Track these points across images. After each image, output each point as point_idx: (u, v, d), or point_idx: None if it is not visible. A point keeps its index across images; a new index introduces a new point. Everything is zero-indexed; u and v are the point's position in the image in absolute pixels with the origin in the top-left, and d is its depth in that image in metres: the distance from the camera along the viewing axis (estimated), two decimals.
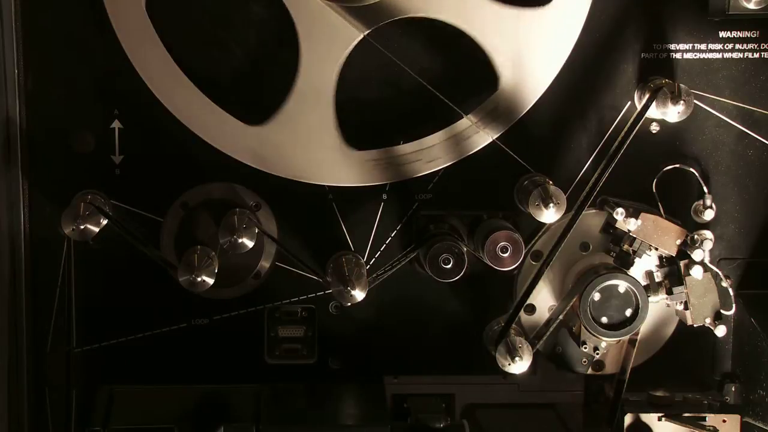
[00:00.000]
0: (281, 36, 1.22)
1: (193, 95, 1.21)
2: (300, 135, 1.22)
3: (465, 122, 1.23)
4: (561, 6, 1.21)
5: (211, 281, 1.17)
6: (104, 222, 1.20)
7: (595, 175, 1.20)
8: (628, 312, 1.24)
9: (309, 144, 1.22)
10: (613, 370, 1.30)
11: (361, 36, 1.20)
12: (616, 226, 1.25)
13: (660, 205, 1.26)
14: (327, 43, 1.20)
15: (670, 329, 1.31)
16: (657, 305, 1.27)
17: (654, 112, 1.20)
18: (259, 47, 1.23)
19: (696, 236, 1.23)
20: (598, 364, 1.31)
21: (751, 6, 1.22)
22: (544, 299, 1.30)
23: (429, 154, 1.24)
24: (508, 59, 1.21)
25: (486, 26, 1.20)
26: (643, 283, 1.25)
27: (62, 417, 1.28)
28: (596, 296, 1.24)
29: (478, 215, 1.27)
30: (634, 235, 1.24)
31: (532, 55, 1.21)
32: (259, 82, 1.24)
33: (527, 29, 1.21)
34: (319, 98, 1.21)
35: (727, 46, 1.26)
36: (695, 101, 1.23)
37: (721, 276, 1.24)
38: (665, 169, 1.27)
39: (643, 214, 1.23)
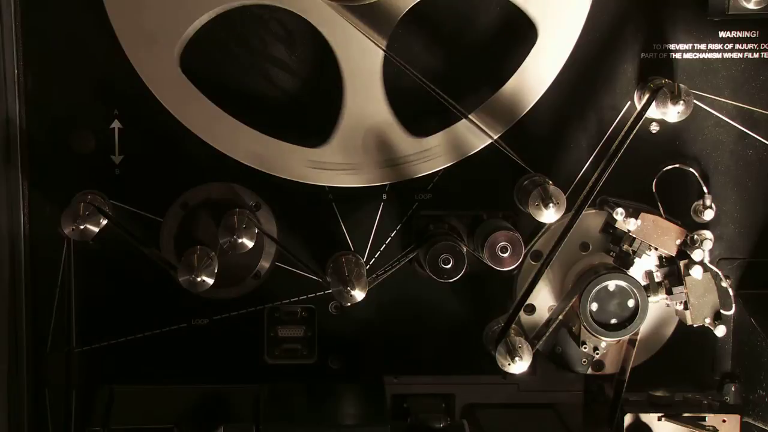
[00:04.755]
0: (285, 35, 1.22)
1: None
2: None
3: (465, 122, 1.23)
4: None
5: (211, 281, 1.17)
6: (104, 222, 1.20)
7: (595, 175, 1.20)
8: (628, 312, 1.24)
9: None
10: (613, 370, 1.30)
11: (382, 54, 1.20)
12: (616, 226, 1.25)
13: (660, 205, 1.26)
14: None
15: (670, 329, 1.31)
16: (657, 305, 1.27)
17: (654, 112, 1.20)
18: (259, 46, 1.23)
19: (696, 236, 1.23)
20: (598, 364, 1.31)
21: (751, 6, 1.22)
22: (544, 299, 1.30)
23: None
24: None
25: None
26: (643, 283, 1.25)
27: (62, 417, 1.28)
28: (596, 296, 1.24)
29: (478, 215, 1.28)
30: (634, 235, 1.24)
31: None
32: (259, 81, 1.24)
33: None
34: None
35: (726, 46, 1.26)
36: (695, 101, 1.23)
37: (721, 276, 1.24)
38: (665, 169, 1.27)
39: (642, 214, 1.23)
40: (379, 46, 1.21)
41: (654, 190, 1.26)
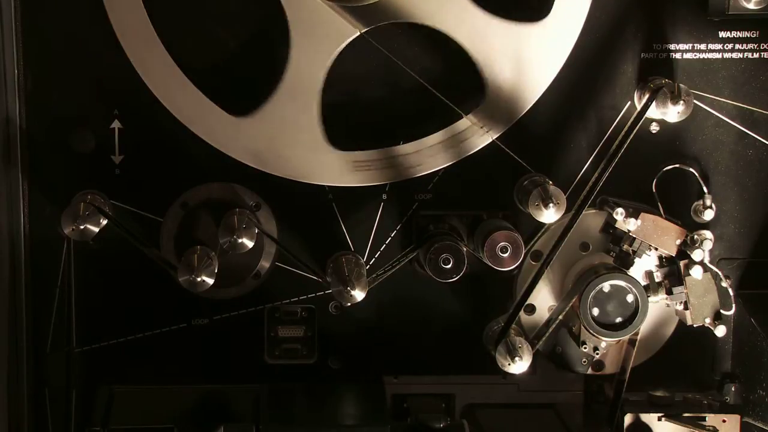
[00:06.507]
0: (280, 34, 1.22)
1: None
2: (287, 131, 1.22)
3: (465, 122, 1.23)
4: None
5: (211, 281, 1.17)
6: (104, 222, 1.20)
7: (595, 175, 1.20)
8: (628, 312, 1.24)
9: (296, 141, 1.22)
10: (613, 370, 1.30)
11: (357, 33, 1.20)
12: (616, 226, 1.25)
13: (660, 205, 1.26)
14: (320, 38, 1.19)
15: (670, 329, 1.31)
16: (657, 305, 1.27)
17: (654, 112, 1.20)
18: (260, 46, 1.23)
19: (696, 236, 1.23)
20: (598, 364, 1.31)
21: (751, 6, 1.22)
22: (544, 299, 1.30)
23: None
24: (502, 72, 1.22)
25: (480, 39, 1.20)
26: (643, 283, 1.25)
27: (62, 417, 1.28)
28: (596, 296, 1.24)
29: (478, 215, 1.27)
30: (634, 235, 1.24)
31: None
32: (260, 80, 1.24)
33: (525, 38, 1.21)
34: (306, 94, 1.21)
35: (726, 46, 1.26)
36: (695, 101, 1.23)
37: (721, 276, 1.24)
38: (665, 169, 1.27)
39: (643, 214, 1.23)
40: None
41: (654, 190, 1.26)
